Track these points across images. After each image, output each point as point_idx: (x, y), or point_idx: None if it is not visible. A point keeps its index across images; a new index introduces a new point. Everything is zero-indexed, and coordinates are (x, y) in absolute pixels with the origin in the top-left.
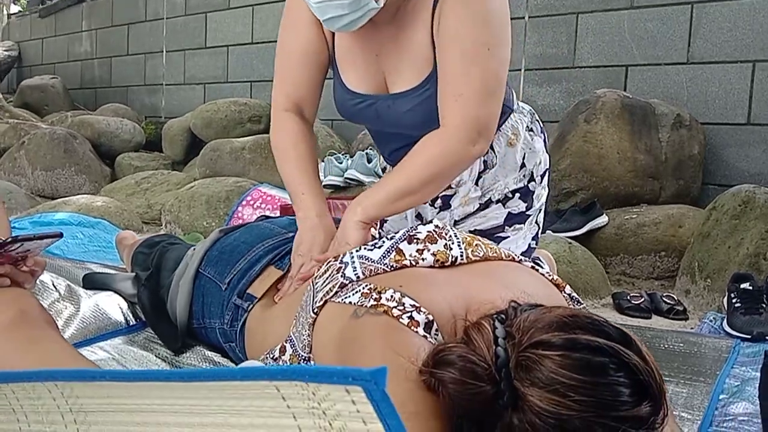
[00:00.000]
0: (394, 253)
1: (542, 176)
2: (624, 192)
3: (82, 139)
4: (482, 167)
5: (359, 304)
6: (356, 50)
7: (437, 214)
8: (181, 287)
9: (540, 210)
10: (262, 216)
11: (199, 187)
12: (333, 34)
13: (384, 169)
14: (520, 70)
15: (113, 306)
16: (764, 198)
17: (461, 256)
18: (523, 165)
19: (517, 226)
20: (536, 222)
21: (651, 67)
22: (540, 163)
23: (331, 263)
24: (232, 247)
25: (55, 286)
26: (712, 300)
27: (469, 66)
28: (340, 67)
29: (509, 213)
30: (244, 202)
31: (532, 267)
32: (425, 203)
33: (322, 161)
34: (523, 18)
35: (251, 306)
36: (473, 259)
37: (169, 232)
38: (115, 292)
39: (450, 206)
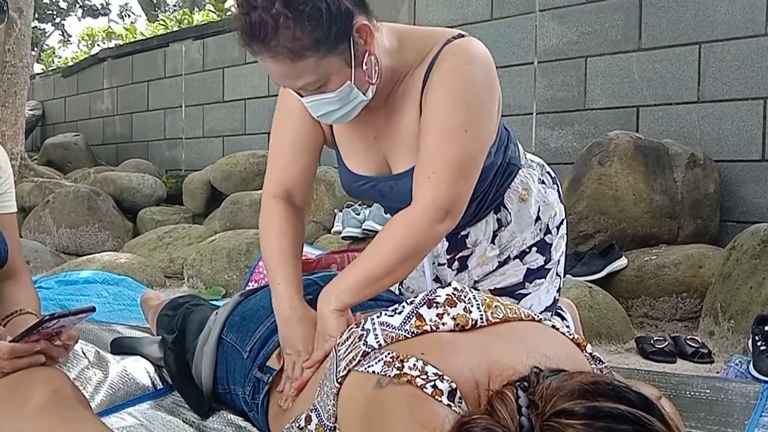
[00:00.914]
0: (414, 318)
1: (558, 227)
2: (642, 233)
3: (105, 195)
4: (497, 226)
5: (382, 373)
6: (355, 136)
7: (456, 276)
8: (205, 354)
9: (559, 262)
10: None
11: (220, 240)
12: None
13: None
14: (531, 114)
15: (140, 370)
16: None
17: (481, 318)
18: (538, 218)
19: (538, 281)
20: (557, 274)
21: (662, 107)
22: (555, 215)
23: (353, 330)
24: (252, 312)
25: (84, 353)
26: (737, 341)
27: (443, 145)
28: (341, 151)
29: (528, 269)
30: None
31: (553, 326)
32: (443, 265)
33: (340, 212)
34: (533, 63)
35: (270, 378)
36: (493, 321)
37: (191, 286)
38: (143, 356)
39: (467, 266)
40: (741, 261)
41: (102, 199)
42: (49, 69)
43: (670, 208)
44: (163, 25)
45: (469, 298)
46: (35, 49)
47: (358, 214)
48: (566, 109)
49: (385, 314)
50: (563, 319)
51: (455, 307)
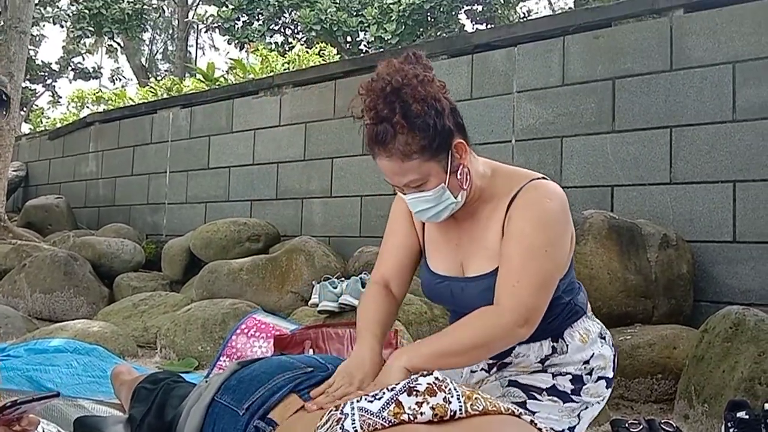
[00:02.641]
0: (393, 405)
1: (599, 379)
2: (617, 312)
3: (83, 260)
4: (550, 351)
5: None
6: (440, 240)
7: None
8: (192, 414)
9: (586, 407)
10: (279, 352)
11: (196, 310)
12: (423, 227)
13: None
14: None
15: None
16: (754, 320)
17: (460, 409)
18: (588, 362)
19: (556, 398)
20: (578, 416)
21: (636, 188)
22: (604, 368)
23: (332, 413)
24: (251, 376)
25: None
26: (711, 426)
27: (528, 261)
28: (427, 252)
29: (554, 385)
30: (238, 331)
31: (531, 421)
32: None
33: (318, 284)
34: (510, 141)
35: (272, 430)
36: (472, 413)
37: (163, 356)
38: None
39: (503, 369)
40: (713, 344)
41: (79, 264)
42: (36, 130)
43: (644, 287)
44: (152, 91)
45: (450, 389)
46: (24, 109)
47: (335, 288)
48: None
49: (366, 399)
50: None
51: (435, 396)
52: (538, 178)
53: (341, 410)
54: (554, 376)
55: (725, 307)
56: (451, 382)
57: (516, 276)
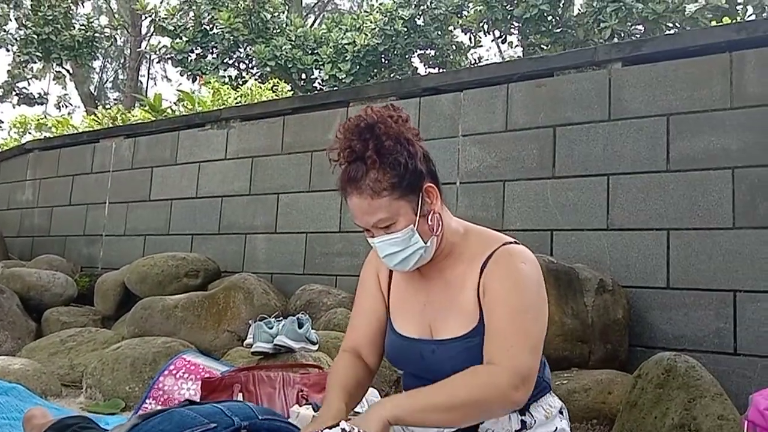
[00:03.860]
0: None
1: None
2: (554, 356)
3: (11, 293)
4: (520, 426)
5: None
6: (408, 300)
7: None
8: None
9: None
10: (186, 400)
11: (126, 348)
12: (389, 287)
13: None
14: None
15: None
16: (685, 366)
17: None
18: None
19: None
20: None
21: (574, 232)
22: None
23: None
24: None
25: None
26: None
27: (517, 325)
28: (392, 313)
29: None
30: (166, 372)
31: None
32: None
33: (254, 323)
34: (455, 183)
35: None
36: None
37: (89, 396)
38: None
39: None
40: (646, 389)
41: (6, 297)
42: None
43: (581, 331)
44: (96, 120)
45: None
46: None
47: (271, 328)
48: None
49: None
50: None
51: None
52: (511, 242)
53: None
54: None
55: (659, 352)
56: None
57: (508, 340)
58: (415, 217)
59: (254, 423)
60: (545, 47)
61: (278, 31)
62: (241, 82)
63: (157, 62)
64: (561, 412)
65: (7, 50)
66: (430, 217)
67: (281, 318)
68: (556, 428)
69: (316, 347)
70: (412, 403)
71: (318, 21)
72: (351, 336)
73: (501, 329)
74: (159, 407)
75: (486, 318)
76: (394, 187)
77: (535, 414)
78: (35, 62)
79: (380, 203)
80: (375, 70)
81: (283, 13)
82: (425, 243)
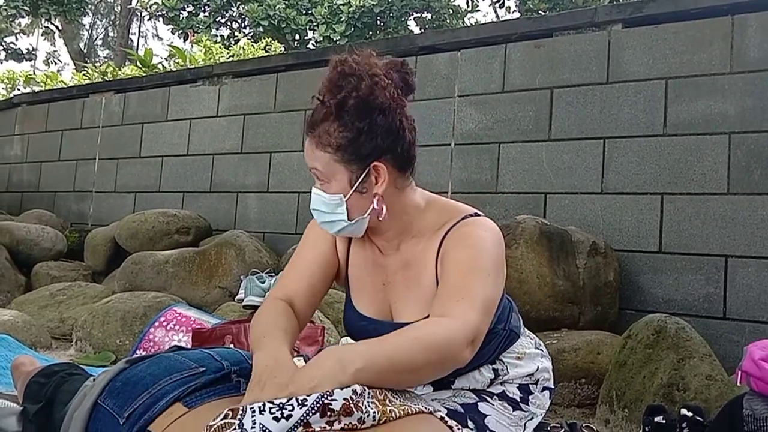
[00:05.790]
0: (301, 428)
1: (544, 389)
2: (545, 317)
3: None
4: (493, 375)
5: None
6: (366, 277)
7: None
8: (75, 420)
9: (531, 417)
10: (174, 346)
11: (116, 301)
12: (347, 255)
13: None
14: (447, 192)
15: None
16: (675, 328)
17: (372, 426)
18: (532, 374)
19: (506, 404)
20: (524, 425)
21: (568, 196)
22: (549, 378)
23: (228, 419)
24: (137, 378)
25: None
26: (630, 430)
27: (469, 280)
28: (351, 288)
29: (504, 392)
30: (156, 323)
31: (441, 418)
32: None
33: (245, 278)
34: (450, 145)
35: None
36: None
37: (79, 349)
38: None
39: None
40: (635, 350)
41: None
42: None
43: (572, 293)
44: (87, 76)
45: (366, 408)
46: None
47: (263, 282)
48: (479, 190)
49: (270, 411)
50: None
51: (350, 416)
52: (472, 215)
53: (240, 420)
54: (503, 383)
55: (649, 315)
56: (368, 396)
57: (458, 293)
58: (348, 189)
59: (244, 368)
60: (543, 13)
61: None
62: (233, 42)
63: (148, 19)
64: (539, 348)
65: None
66: (367, 196)
67: (273, 273)
68: (537, 367)
69: None
70: (363, 350)
71: None
72: (286, 284)
73: (452, 285)
74: None
75: (439, 281)
76: (338, 149)
77: (506, 360)
78: (23, 16)
79: (320, 155)
80: (370, 33)
81: None
82: (349, 220)
